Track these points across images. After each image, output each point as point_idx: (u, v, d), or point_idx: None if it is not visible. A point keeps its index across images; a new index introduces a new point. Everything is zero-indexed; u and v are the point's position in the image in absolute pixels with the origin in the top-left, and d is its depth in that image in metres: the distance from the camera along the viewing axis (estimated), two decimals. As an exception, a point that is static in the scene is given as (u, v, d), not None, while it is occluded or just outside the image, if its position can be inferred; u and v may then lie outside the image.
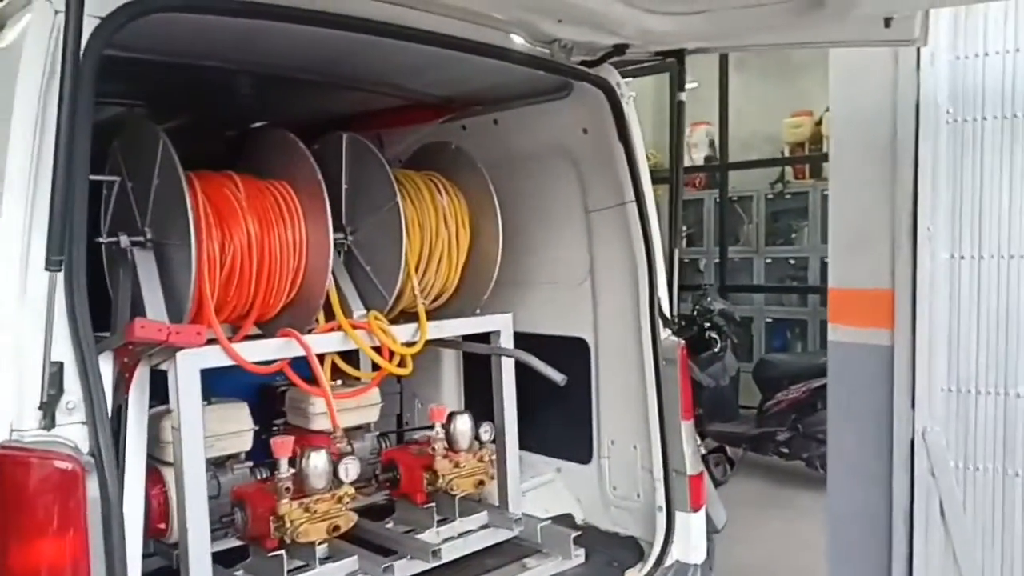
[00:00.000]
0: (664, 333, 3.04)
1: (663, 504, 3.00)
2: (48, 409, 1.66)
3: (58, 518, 1.62)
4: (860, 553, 3.38)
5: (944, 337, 3.04)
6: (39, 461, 1.62)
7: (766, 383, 6.69)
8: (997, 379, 2.97)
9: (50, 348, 1.65)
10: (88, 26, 1.73)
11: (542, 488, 3.41)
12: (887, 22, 2.36)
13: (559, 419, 3.36)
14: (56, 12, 1.74)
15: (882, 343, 3.18)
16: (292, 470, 2.37)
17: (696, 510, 2.99)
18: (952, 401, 3.06)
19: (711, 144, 9.05)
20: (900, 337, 3.12)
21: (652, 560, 2.95)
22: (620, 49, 2.75)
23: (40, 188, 1.72)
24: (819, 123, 8.19)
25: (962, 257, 2.98)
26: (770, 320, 8.70)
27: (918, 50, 2.96)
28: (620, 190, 3.06)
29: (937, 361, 3.06)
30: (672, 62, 3.00)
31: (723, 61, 8.50)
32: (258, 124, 3.59)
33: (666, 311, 3.06)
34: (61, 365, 1.69)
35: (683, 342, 3.05)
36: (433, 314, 2.98)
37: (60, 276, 1.69)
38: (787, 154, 8.57)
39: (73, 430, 1.68)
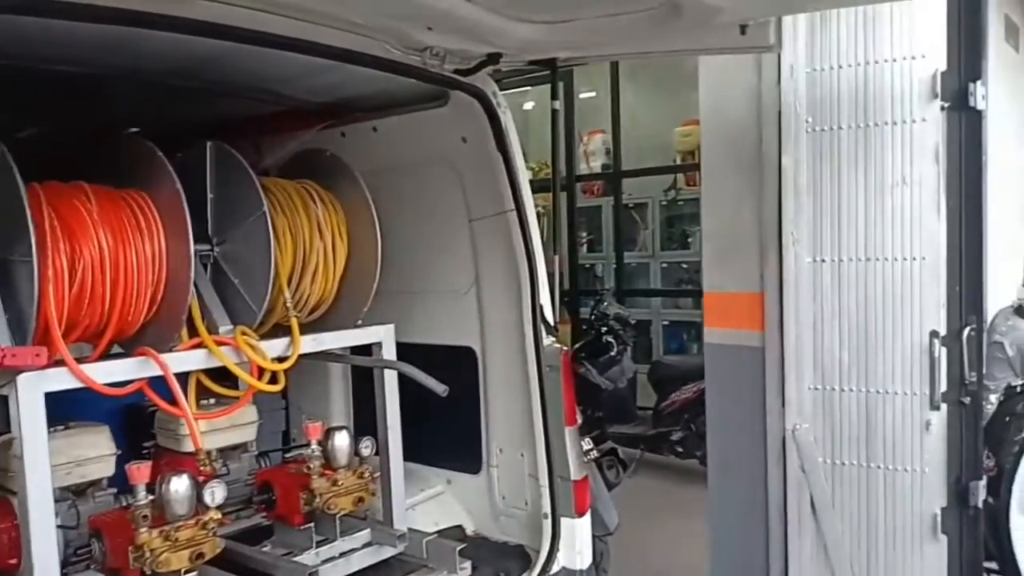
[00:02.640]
0: (547, 340, 3.05)
1: (548, 511, 3.01)
2: None
3: None
4: (740, 547, 3.50)
5: (809, 338, 3.19)
6: None
7: (660, 384, 6.86)
8: (859, 377, 3.13)
9: None
10: None
11: (432, 501, 3.38)
12: (743, 29, 2.45)
13: (449, 430, 3.33)
14: None
15: (754, 344, 3.30)
16: (151, 496, 2.25)
17: (581, 515, 3.02)
18: (819, 399, 3.20)
19: (607, 152, 9.24)
20: (770, 338, 3.25)
21: (538, 568, 2.96)
22: (494, 58, 2.75)
23: None
24: (708, 132, 8.47)
25: (823, 260, 3.13)
26: (667, 323, 8.93)
27: (779, 63, 3.09)
28: (500, 199, 3.06)
29: (804, 361, 3.20)
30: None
31: (615, 71, 8.70)
32: (129, 132, 3.43)
33: (549, 318, 3.08)
34: None
35: (566, 348, 3.08)
36: (311, 327, 2.90)
37: None
38: (679, 162, 8.83)
39: None
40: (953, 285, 3.00)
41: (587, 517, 3.04)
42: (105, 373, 2.24)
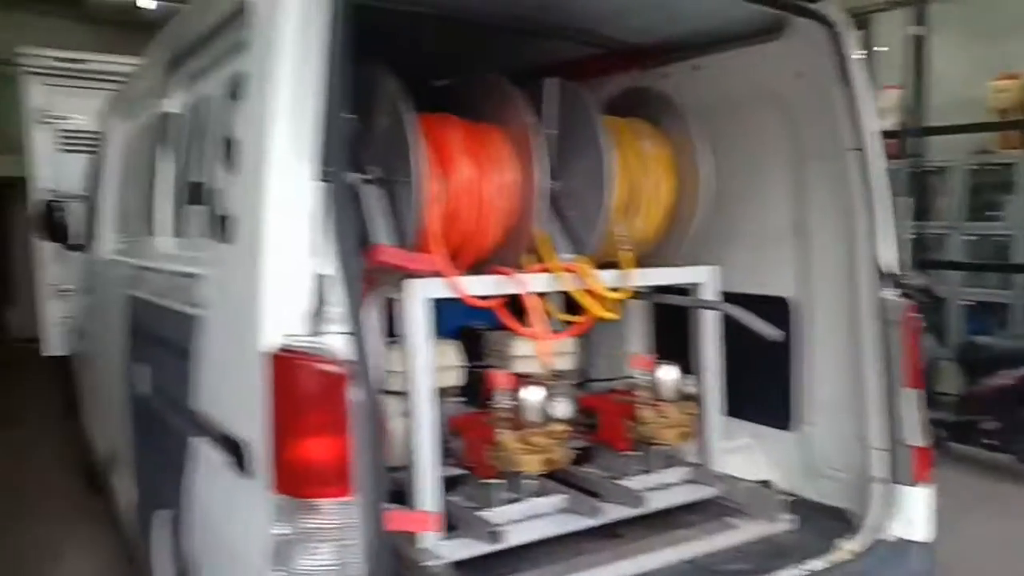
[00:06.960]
0: (889, 292, 2.79)
1: (882, 475, 2.77)
2: (316, 318, 1.75)
3: (328, 416, 1.72)
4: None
5: None
6: (311, 364, 1.71)
7: (972, 367, 6.12)
8: None
9: (319, 260, 1.74)
10: None
11: (738, 453, 3.27)
12: None
13: (757, 382, 3.18)
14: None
15: None
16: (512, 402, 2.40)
17: (919, 483, 2.75)
18: None
19: (903, 109, 8.35)
20: None
21: (869, 535, 2.73)
22: (848, -21, 2.55)
23: (304, 109, 1.81)
24: (1029, 87, 7.38)
25: None
26: (967, 302, 7.93)
27: None
28: (839, 137, 2.85)
29: None
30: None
31: (920, 19, 7.81)
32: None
33: (892, 268, 2.81)
34: (326, 277, 1.77)
35: (910, 302, 2.79)
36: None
37: (330, 190, 1.77)
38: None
39: (336, 340, 1.75)
40: None
41: (930, 487, 2.76)
42: (472, 287, 2.43)
